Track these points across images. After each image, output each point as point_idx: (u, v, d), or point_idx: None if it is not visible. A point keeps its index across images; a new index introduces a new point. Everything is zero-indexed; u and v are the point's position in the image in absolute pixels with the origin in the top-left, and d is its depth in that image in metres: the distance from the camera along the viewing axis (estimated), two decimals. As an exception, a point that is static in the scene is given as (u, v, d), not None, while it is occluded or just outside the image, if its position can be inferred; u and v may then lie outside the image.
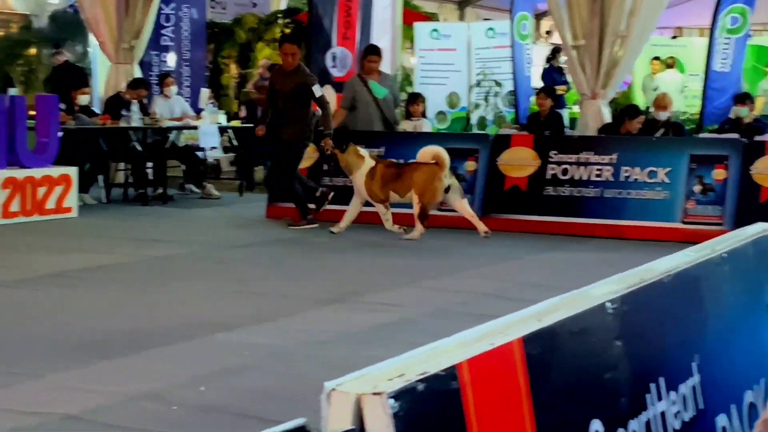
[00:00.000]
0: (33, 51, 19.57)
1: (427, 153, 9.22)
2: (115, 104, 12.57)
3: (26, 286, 6.98)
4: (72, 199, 10.79)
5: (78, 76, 14.66)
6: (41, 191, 10.41)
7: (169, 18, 16.26)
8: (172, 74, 14.44)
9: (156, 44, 15.79)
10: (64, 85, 13.56)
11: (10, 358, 5.09)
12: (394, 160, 9.69)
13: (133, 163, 12.69)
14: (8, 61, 18.25)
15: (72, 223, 10.40)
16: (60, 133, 11.03)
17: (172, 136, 12.75)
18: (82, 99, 12.61)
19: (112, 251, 8.57)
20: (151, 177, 12.74)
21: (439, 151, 9.16)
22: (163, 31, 15.95)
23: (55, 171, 10.62)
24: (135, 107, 12.26)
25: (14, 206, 10.14)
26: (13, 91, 12.53)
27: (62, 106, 11.66)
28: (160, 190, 12.50)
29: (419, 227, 9.29)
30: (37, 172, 10.42)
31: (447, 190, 9.20)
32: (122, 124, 12.22)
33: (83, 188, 11.69)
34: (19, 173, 10.23)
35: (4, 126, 10.13)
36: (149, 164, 12.66)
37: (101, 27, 14.06)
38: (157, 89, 15.05)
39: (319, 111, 10.16)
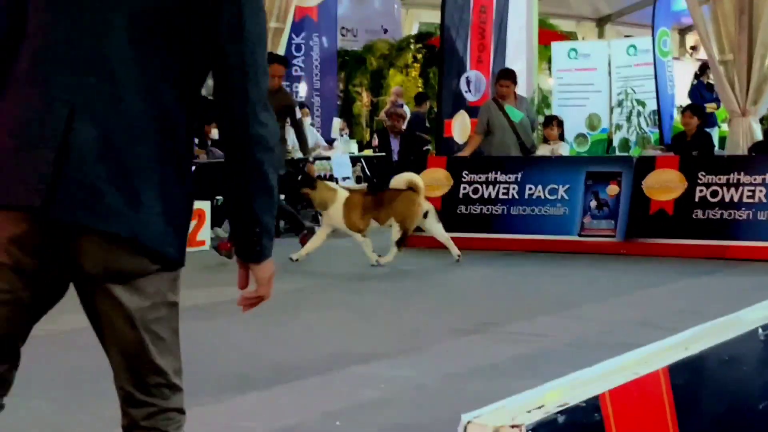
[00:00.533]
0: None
1: (401, 180, 9.73)
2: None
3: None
4: (205, 233, 11.06)
5: (212, 109, 15.06)
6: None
7: (300, 47, 16.60)
8: (305, 105, 14.70)
9: (287, 74, 16.11)
10: (199, 119, 13.96)
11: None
12: (362, 189, 9.98)
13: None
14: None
15: (205, 257, 10.63)
16: (193, 168, 11.30)
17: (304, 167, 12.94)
18: (216, 133, 12.94)
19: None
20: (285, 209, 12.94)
21: (413, 177, 9.67)
22: (294, 61, 16.27)
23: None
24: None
25: (149, 241, 10.44)
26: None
27: (195, 140, 12.00)
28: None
29: (393, 251, 9.66)
30: (171, 207, 10.71)
31: (425, 215, 9.70)
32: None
33: (216, 222, 11.97)
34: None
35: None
36: (282, 196, 12.87)
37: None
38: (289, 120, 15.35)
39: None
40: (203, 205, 11.06)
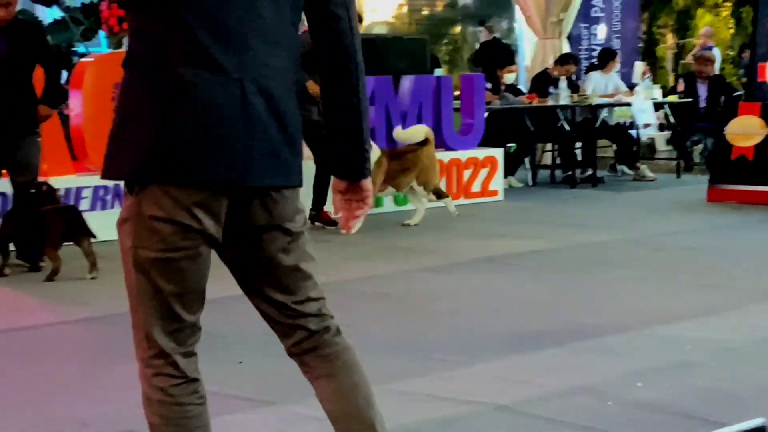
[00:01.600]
0: (457, 29, 20.40)
1: (415, 132, 9.29)
2: (543, 81, 12.78)
3: (456, 271, 7.29)
4: (498, 182, 11.11)
5: (504, 53, 15.08)
6: (467, 174, 10.82)
7: (599, -14, 16.26)
8: (617, 52, 14.33)
9: (585, 16, 15.86)
10: (490, 62, 13.99)
11: (436, 344, 5.33)
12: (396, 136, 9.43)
13: (560, 144, 12.84)
14: (434, 41, 19.11)
15: (498, 207, 10.71)
16: (485, 114, 11.38)
17: (603, 113, 12.74)
18: (509, 77, 12.96)
19: (540, 236, 8.73)
20: (579, 158, 12.83)
21: (430, 131, 9.36)
22: (593, 1, 15.97)
23: (481, 153, 10.99)
24: (563, 84, 12.37)
25: (441, 189, 10.61)
26: (438, 72, 13.11)
27: (488, 85, 12.04)
28: (590, 172, 12.54)
29: (450, 202, 9.59)
30: (463, 155, 10.84)
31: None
32: (550, 102, 12.39)
33: (509, 170, 12.02)
34: (445, 155, 10.69)
35: (430, 108, 10.62)
36: (578, 144, 12.75)
37: (528, 0, 14.33)
38: (585, 64, 15.13)
39: None
40: (496, 153, 11.09)
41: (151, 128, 2.41)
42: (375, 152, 8.81)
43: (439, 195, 9.49)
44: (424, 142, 9.24)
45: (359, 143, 2.62)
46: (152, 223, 2.43)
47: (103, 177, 2.53)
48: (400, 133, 9.45)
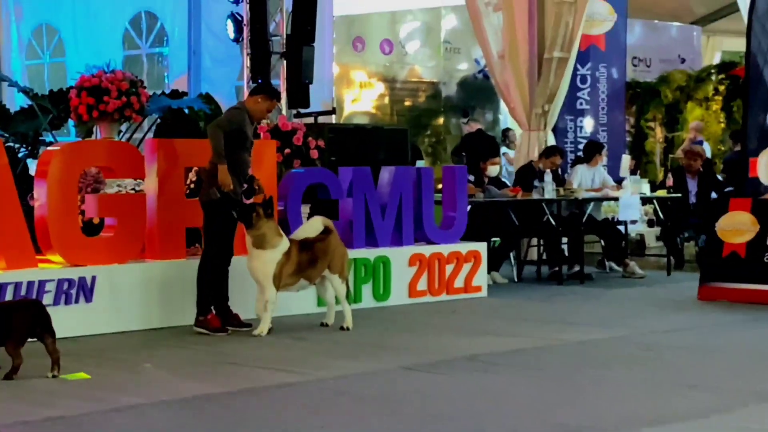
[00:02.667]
0: (440, 120, 20.57)
1: (314, 225, 9.04)
2: (528, 174, 12.86)
3: (440, 370, 7.25)
4: (481, 278, 11.09)
5: (488, 145, 15.21)
6: (449, 269, 10.81)
7: (585, 79, 16.47)
8: (604, 145, 14.49)
9: (571, 108, 16.02)
10: (474, 155, 14.10)
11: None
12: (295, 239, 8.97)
13: (546, 239, 12.88)
14: (416, 132, 19.28)
15: (481, 303, 10.68)
16: (468, 207, 11.42)
17: (589, 208, 12.81)
18: (492, 170, 13.01)
19: (525, 334, 8.70)
20: (566, 254, 12.85)
21: (327, 220, 9.09)
22: (579, 94, 16.16)
23: (464, 247, 10.99)
24: (548, 177, 12.45)
25: (421, 284, 10.59)
26: (420, 164, 13.19)
27: (470, 177, 12.10)
28: (577, 268, 12.54)
29: (348, 308, 9.02)
30: (445, 249, 10.83)
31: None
32: (535, 196, 12.45)
33: (493, 266, 12.02)
34: (426, 250, 10.70)
35: (410, 200, 10.65)
36: (564, 239, 12.79)
37: (512, 92, 14.51)
38: (571, 157, 15.25)
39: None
40: (479, 248, 11.10)
41: None
42: (284, 243, 8.65)
43: (347, 293, 9.08)
44: (327, 231, 9.01)
45: None
46: None
47: None
48: (298, 232, 9.11)
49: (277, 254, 8.60)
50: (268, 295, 8.60)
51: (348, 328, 8.91)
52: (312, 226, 9.06)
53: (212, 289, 8.74)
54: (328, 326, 9.05)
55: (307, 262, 8.78)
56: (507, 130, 18.26)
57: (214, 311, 8.76)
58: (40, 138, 12.13)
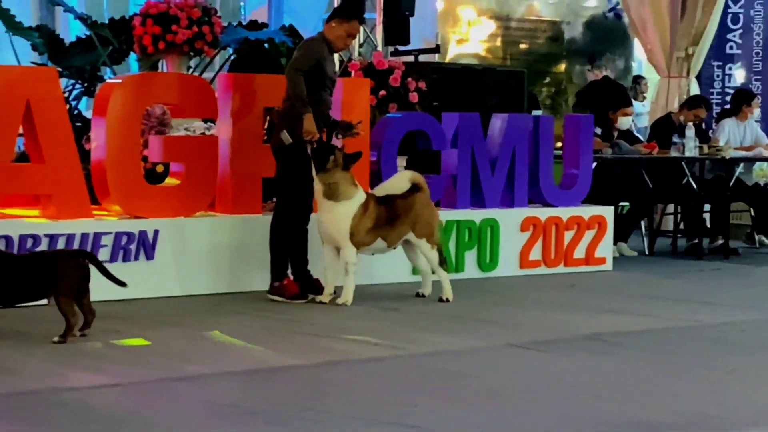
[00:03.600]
0: (562, 67, 20.42)
1: (401, 179, 8.98)
2: (666, 128, 12.72)
3: (556, 349, 7.28)
4: (606, 248, 11.03)
5: (619, 94, 15.05)
6: (568, 236, 10.76)
7: (737, 19, 16.24)
8: (756, 95, 14.26)
9: (719, 53, 15.82)
10: (600, 105, 13.97)
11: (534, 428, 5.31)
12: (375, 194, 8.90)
13: (685, 206, 12.74)
14: (533, 80, 19.14)
15: (605, 278, 10.62)
16: (593, 164, 11.34)
17: (738, 170, 12.63)
18: (623, 122, 12.85)
19: (655, 314, 8.66)
20: (708, 224, 12.70)
21: (415, 174, 9.02)
22: (730, 36, 15.94)
23: (586, 211, 10.93)
24: (690, 132, 12.31)
25: (534, 254, 10.57)
26: (537, 113, 13.12)
27: (597, 130, 12.00)
28: (720, 242, 12.42)
29: (444, 275, 8.98)
30: (564, 212, 10.79)
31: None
32: (673, 153, 12.32)
33: (620, 235, 11.93)
34: (542, 213, 10.65)
35: (525, 154, 10.60)
36: (707, 207, 12.64)
37: (650, 31, 14.36)
38: (717, 110, 15.04)
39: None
40: (605, 213, 11.03)
41: None
42: (360, 194, 8.64)
43: (441, 260, 9.03)
44: (415, 189, 8.97)
45: None
46: None
47: None
48: (379, 188, 9.12)
49: (353, 207, 8.58)
50: (347, 256, 8.62)
51: (447, 300, 8.93)
52: (398, 182, 9.05)
53: (289, 250, 8.81)
54: (425, 297, 9.10)
55: (385, 219, 8.75)
56: (638, 77, 18.08)
57: (291, 276, 8.83)
58: (98, 74, 12.31)
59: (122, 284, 7.27)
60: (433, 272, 9.08)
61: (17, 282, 7.09)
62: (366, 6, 13.22)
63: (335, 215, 8.56)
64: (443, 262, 9.07)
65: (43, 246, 8.28)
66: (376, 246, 8.83)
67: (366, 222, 8.62)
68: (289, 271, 8.84)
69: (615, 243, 11.54)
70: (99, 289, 7.33)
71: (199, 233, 8.91)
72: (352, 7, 9.30)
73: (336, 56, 9.75)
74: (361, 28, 12.88)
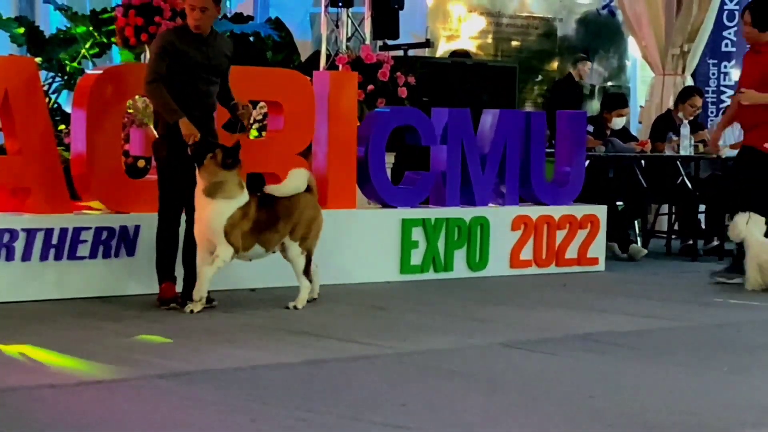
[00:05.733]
0: (554, 65, 20.41)
1: (301, 178, 8.54)
2: (664, 126, 12.69)
3: (545, 348, 7.26)
4: (599, 248, 11.03)
5: (612, 94, 15.04)
6: (560, 235, 10.75)
7: (732, 15, 16.25)
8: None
9: (714, 51, 15.82)
10: (561, 104, 13.95)
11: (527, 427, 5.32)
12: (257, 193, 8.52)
13: (679, 205, 12.73)
14: (524, 77, 19.12)
15: (598, 278, 10.62)
16: (586, 162, 11.33)
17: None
18: (617, 122, 12.82)
19: (650, 314, 8.67)
20: (703, 224, 12.70)
21: (310, 175, 8.68)
22: (725, 33, 15.95)
23: (579, 210, 10.92)
24: (685, 130, 12.30)
25: (525, 253, 10.56)
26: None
27: (589, 128, 11.99)
28: (716, 242, 12.40)
29: (306, 285, 8.51)
30: (556, 211, 10.77)
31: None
32: (667, 152, 12.30)
33: (613, 235, 11.90)
34: (533, 211, 10.64)
35: (517, 150, 10.58)
36: (701, 207, 12.63)
37: (645, 28, 14.37)
38: (712, 109, 15.06)
39: None
40: (598, 212, 11.02)
41: None
42: (242, 196, 8.24)
43: (306, 268, 8.56)
44: (306, 190, 8.60)
45: None
46: None
47: None
48: (273, 188, 8.67)
49: (231, 207, 8.18)
50: (222, 252, 8.15)
51: (296, 308, 8.46)
52: (296, 180, 8.57)
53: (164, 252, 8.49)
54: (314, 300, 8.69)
55: (264, 223, 8.38)
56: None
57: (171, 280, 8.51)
58: (79, 66, 12.28)
59: None
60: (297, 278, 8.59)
61: None
62: (355, -1, 13.20)
63: (210, 213, 8.17)
64: (308, 271, 8.57)
65: (21, 241, 8.25)
66: (254, 251, 8.43)
67: (243, 225, 8.22)
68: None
69: (608, 242, 11.50)
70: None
71: (182, 228, 8.86)
72: None
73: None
74: (349, 21, 12.88)
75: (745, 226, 9.80)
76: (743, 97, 10.07)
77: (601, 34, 20.12)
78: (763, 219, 9.85)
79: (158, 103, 8.18)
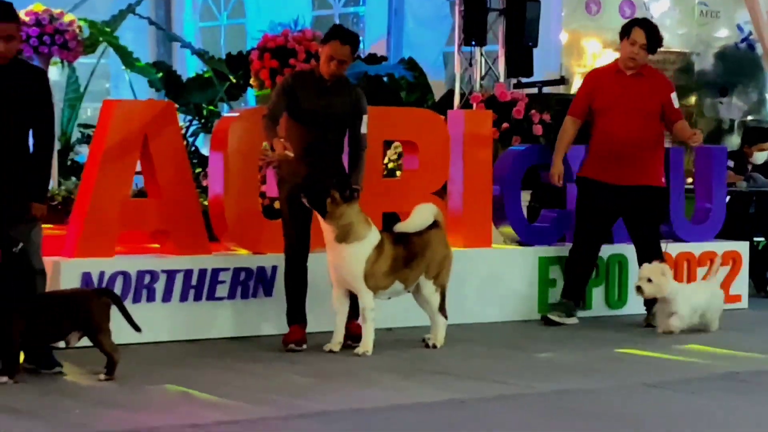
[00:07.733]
0: (692, 99, 20.21)
1: (427, 213, 8.40)
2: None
3: (690, 388, 7.23)
4: (741, 285, 10.86)
5: (753, 128, 14.82)
6: (701, 272, 10.58)
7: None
8: None
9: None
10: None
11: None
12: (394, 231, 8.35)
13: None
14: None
15: (741, 316, 10.43)
16: (727, 198, 11.18)
17: None
18: (759, 156, 12.64)
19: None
20: None
21: (438, 210, 8.53)
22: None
23: (720, 246, 10.76)
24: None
25: (666, 291, 10.43)
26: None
27: (730, 163, 11.84)
28: None
29: (442, 323, 8.44)
30: (696, 248, 10.64)
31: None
32: (811, 187, 12.10)
33: (756, 272, 11.69)
34: (673, 248, 10.49)
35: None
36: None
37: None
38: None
39: None
40: (740, 248, 10.86)
41: None
42: (373, 234, 8.18)
43: (442, 304, 8.49)
44: (434, 224, 8.48)
45: None
46: None
47: None
48: (401, 225, 8.54)
49: (367, 248, 8.11)
50: (364, 301, 8.14)
51: (435, 346, 8.44)
52: (422, 216, 8.47)
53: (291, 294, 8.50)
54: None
55: (403, 260, 8.29)
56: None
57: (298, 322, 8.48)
58: (215, 109, 12.50)
59: (137, 329, 7.21)
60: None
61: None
62: (488, 38, 13.23)
63: (346, 258, 8.10)
64: (443, 307, 8.50)
65: (161, 282, 8.40)
66: (393, 289, 8.34)
67: (381, 264, 8.15)
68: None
69: (751, 279, 11.31)
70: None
71: (319, 268, 8.87)
72: (329, 30, 8.69)
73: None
74: (482, 60, 12.91)
75: None
76: None
77: (739, 68, 19.89)
78: None
79: (263, 135, 8.23)
